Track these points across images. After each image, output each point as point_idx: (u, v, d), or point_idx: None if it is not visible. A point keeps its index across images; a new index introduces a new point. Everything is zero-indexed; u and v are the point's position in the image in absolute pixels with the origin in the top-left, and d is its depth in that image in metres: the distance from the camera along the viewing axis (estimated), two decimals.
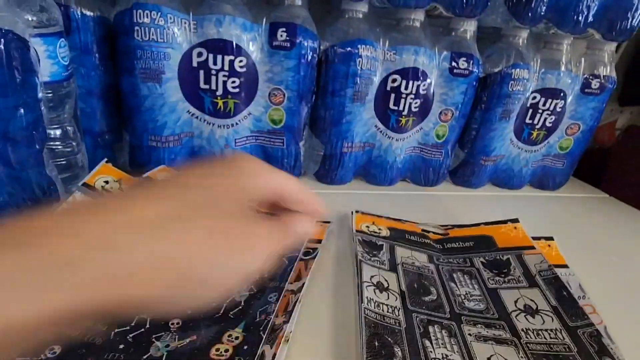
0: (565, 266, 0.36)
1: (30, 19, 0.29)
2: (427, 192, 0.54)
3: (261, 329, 0.24)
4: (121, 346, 0.23)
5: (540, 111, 0.53)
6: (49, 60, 0.31)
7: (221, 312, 0.26)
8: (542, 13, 0.45)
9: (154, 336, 0.23)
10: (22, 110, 0.26)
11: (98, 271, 0.12)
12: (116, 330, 0.23)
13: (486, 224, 0.41)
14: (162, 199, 0.14)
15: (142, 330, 0.23)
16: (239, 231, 0.15)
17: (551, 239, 0.39)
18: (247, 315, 0.26)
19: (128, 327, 0.23)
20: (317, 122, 0.47)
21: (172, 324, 0.24)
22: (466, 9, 0.43)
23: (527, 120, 0.53)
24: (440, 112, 0.50)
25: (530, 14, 0.44)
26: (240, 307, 0.26)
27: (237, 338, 0.24)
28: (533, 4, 0.44)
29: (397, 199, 0.50)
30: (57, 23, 0.31)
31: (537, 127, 0.54)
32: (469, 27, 0.47)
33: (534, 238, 0.39)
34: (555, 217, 0.52)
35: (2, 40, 0.24)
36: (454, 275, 0.35)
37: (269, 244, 0.16)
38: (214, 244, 0.14)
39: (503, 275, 0.35)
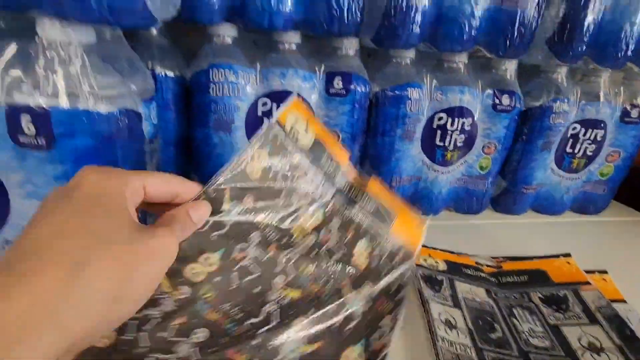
0: (624, 301, 0.37)
1: (135, 88, 0.33)
2: (471, 220, 0.56)
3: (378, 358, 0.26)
4: (253, 342, 0.23)
5: (580, 141, 0.54)
6: (145, 123, 0.35)
7: (338, 322, 0.26)
8: (583, 51, 0.47)
9: (283, 334, 0.24)
10: None
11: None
12: (249, 321, 0.24)
13: (539, 257, 0.43)
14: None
15: (271, 325, 0.24)
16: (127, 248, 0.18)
17: (605, 272, 0.41)
18: (364, 334, 0.27)
19: (257, 320, 0.24)
20: (368, 159, 0.50)
21: (297, 325, 0.25)
22: (508, 51, 0.46)
23: (568, 150, 0.55)
24: (484, 146, 0.52)
25: (571, 53, 0.46)
26: (355, 323, 0.27)
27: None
28: (574, 44, 0.46)
29: (444, 228, 0.52)
30: (152, 89, 0.36)
31: (578, 155, 0.55)
32: (510, 66, 0.50)
33: (587, 272, 0.40)
34: (602, 245, 0.53)
35: (126, 119, 0.28)
36: (514, 311, 0.37)
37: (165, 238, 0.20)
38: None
39: (562, 312, 0.36)
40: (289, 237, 0.27)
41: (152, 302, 0.22)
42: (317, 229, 0.29)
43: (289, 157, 0.27)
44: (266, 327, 0.24)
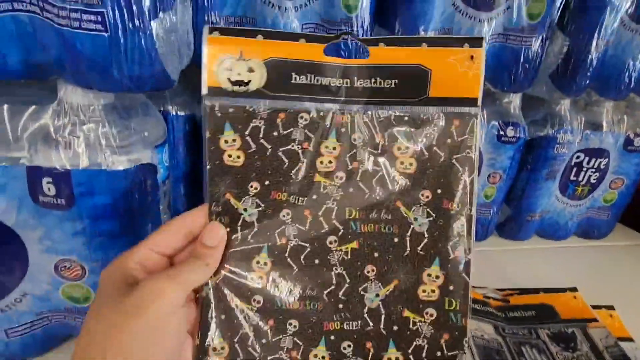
0: (630, 339, 0.38)
1: (147, 135, 0.33)
2: (477, 247, 0.56)
3: (461, 270, 0.25)
4: (340, 306, 0.25)
5: (584, 169, 0.55)
6: (158, 167, 0.36)
7: (407, 248, 0.26)
8: (586, 85, 0.48)
9: (360, 289, 0.26)
10: (150, 225, 0.31)
11: None
12: (326, 292, 0.25)
13: (545, 291, 0.43)
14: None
15: (346, 286, 0.25)
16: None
17: (612, 307, 0.41)
18: (437, 249, 0.25)
19: (334, 287, 0.25)
20: None
21: (368, 272, 0.25)
22: (513, 86, 0.46)
23: (572, 178, 0.56)
24: (489, 175, 0.52)
25: (574, 87, 0.47)
26: (426, 241, 0.25)
27: (437, 277, 0.25)
28: (577, 78, 0.47)
29: None
30: (165, 132, 0.36)
31: (582, 183, 0.56)
32: (515, 99, 0.50)
33: (594, 307, 0.41)
34: (608, 272, 0.53)
35: (142, 174, 0.28)
36: (523, 349, 0.37)
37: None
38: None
39: (571, 351, 0.37)
40: (316, 189, 0.25)
41: (238, 323, 0.25)
42: (339, 159, 0.25)
43: (257, 119, 0.24)
44: (342, 290, 0.25)
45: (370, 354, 0.26)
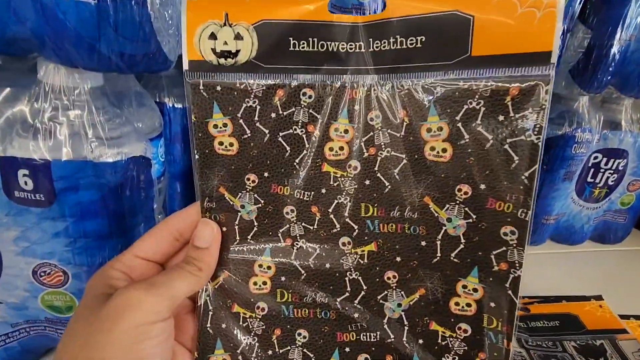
0: None
1: (142, 126, 0.30)
2: None
3: (507, 284, 0.20)
4: (355, 315, 0.22)
5: (602, 170, 0.52)
6: (152, 162, 0.32)
7: (437, 253, 0.21)
8: (607, 81, 0.45)
9: (379, 297, 0.22)
10: (142, 225, 0.27)
11: None
12: (339, 299, 0.22)
13: (568, 299, 0.40)
14: None
15: (363, 293, 0.22)
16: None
17: None
18: (476, 258, 0.21)
19: (348, 294, 0.22)
20: None
21: (389, 278, 0.22)
22: None
23: (589, 179, 0.53)
24: None
25: (595, 83, 0.45)
26: (462, 246, 0.21)
27: (475, 290, 0.21)
28: (598, 74, 0.44)
29: None
30: (160, 125, 0.33)
31: (599, 185, 0.53)
32: None
33: (622, 317, 0.38)
34: (631, 278, 0.51)
35: (135, 168, 0.25)
36: None
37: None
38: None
39: None
40: (325, 182, 0.21)
41: (241, 333, 0.22)
42: (352, 145, 0.21)
43: (250, 98, 0.20)
44: (359, 297, 0.22)
45: None
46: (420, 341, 0.22)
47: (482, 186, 0.20)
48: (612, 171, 0.53)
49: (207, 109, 0.20)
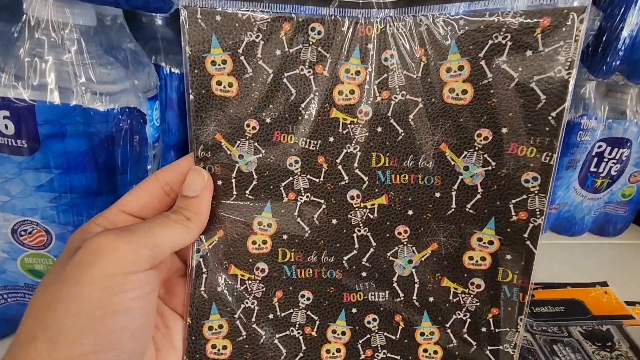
0: None
1: (138, 84, 0.28)
2: None
3: (526, 233, 0.19)
4: (363, 274, 0.21)
5: (605, 160, 0.52)
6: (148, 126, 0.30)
7: (452, 205, 0.20)
8: (616, 66, 0.44)
9: (388, 254, 0.21)
10: (134, 185, 0.25)
11: None
12: (346, 258, 0.21)
13: (573, 285, 0.40)
14: None
15: (372, 250, 0.21)
16: None
17: None
18: (494, 208, 0.19)
19: (356, 252, 0.21)
20: None
21: (400, 233, 0.21)
22: None
23: (592, 169, 0.52)
24: None
25: (604, 68, 0.44)
26: (479, 196, 0.19)
27: (491, 243, 0.20)
28: (608, 58, 0.43)
29: None
30: (156, 86, 0.31)
31: (602, 175, 0.53)
32: None
33: (628, 303, 0.37)
34: (635, 268, 0.50)
35: (129, 120, 0.23)
36: (555, 348, 0.33)
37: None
38: None
39: (609, 350, 0.33)
40: (333, 129, 0.19)
41: (239, 297, 0.21)
42: (364, 88, 0.19)
43: (253, 32, 0.18)
44: (367, 255, 0.21)
45: (400, 328, 0.21)
46: (431, 299, 0.21)
47: (504, 130, 0.18)
48: (615, 161, 0.52)
49: (204, 42, 0.18)
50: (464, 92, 0.18)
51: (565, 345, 0.34)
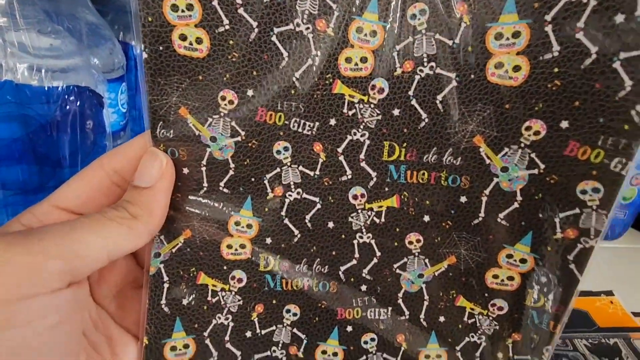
0: None
1: (98, 63, 0.24)
2: None
3: (571, 255, 0.16)
4: (363, 287, 0.18)
5: None
6: (109, 110, 0.26)
7: (481, 213, 0.17)
8: None
9: (395, 266, 0.18)
10: None
11: None
12: (343, 268, 0.18)
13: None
14: None
15: (375, 261, 0.18)
16: None
17: None
18: (533, 221, 0.16)
19: (355, 262, 0.18)
20: None
21: (411, 242, 0.18)
22: None
23: None
24: None
25: None
26: (516, 205, 0.16)
27: (523, 262, 0.17)
28: None
29: None
30: (121, 65, 0.27)
31: None
32: None
33: (635, 314, 0.35)
34: (637, 276, 0.48)
35: (77, 101, 0.19)
36: None
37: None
38: None
39: None
40: (335, 107, 0.16)
41: (209, 311, 0.17)
42: (380, 54, 0.15)
43: None
44: (369, 266, 0.18)
45: (402, 349, 0.18)
46: (442, 319, 0.18)
47: (564, 124, 0.14)
48: None
49: None
50: (516, 68, 0.14)
51: None
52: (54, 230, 0.13)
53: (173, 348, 0.17)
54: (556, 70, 0.14)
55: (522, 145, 0.15)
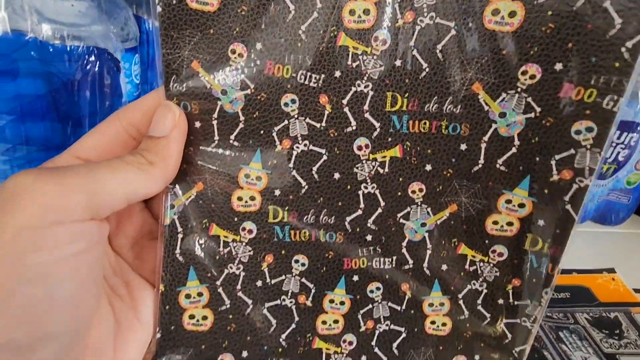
0: None
1: (114, 29, 0.25)
2: None
3: (567, 196, 0.16)
4: (368, 237, 0.18)
5: (613, 144, 0.50)
6: (124, 78, 0.27)
7: (480, 160, 0.17)
8: None
9: (399, 215, 0.18)
10: None
11: None
12: (349, 218, 0.18)
13: (579, 272, 0.38)
14: None
15: (380, 211, 0.18)
16: None
17: None
18: (531, 165, 0.16)
19: (360, 212, 0.18)
20: None
21: (414, 192, 0.18)
22: None
23: None
24: None
25: None
26: (514, 150, 0.16)
27: (521, 206, 0.17)
28: None
29: None
30: (135, 37, 0.28)
31: (609, 160, 0.51)
32: None
33: (637, 290, 0.35)
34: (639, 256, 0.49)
35: (98, 62, 0.20)
36: (561, 335, 0.31)
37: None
38: None
39: (617, 338, 0.31)
40: (339, 60, 0.16)
41: (221, 261, 0.18)
42: (382, 6, 0.16)
43: None
44: (374, 216, 0.18)
45: (407, 298, 0.19)
46: (444, 267, 0.19)
47: (558, 66, 0.15)
48: (623, 146, 0.50)
49: None
50: (512, 14, 0.15)
51: (571, 333, 0.32)
52: (77, 169, 0.14)
53: (187, 296, 0.18)
54: (549, 13, 0.15)
55: (519, 89, 0.16)
